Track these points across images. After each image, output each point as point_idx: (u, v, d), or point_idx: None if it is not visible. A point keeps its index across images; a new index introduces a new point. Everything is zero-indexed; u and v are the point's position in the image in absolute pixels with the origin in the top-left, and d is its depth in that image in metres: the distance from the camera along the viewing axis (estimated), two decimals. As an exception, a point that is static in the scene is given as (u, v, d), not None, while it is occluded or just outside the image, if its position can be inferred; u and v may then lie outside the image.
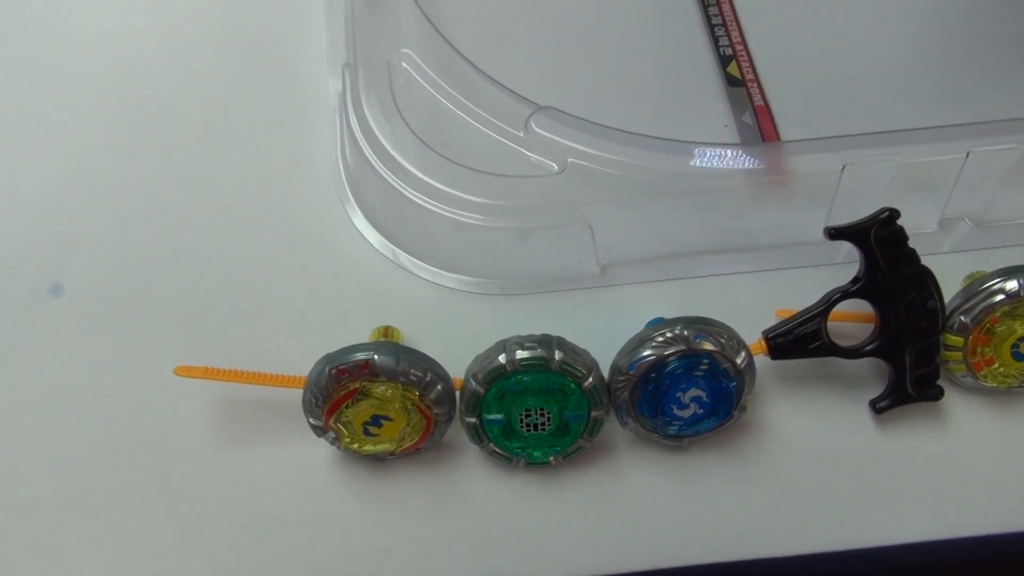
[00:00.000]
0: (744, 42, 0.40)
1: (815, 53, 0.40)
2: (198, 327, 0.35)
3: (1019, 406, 0.33)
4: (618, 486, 0.32)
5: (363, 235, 0.37)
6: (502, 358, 0.30)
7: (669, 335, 0.30)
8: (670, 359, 0.30)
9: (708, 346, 0.30)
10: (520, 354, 0.30)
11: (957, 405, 0.33)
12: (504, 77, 0.35)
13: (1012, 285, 0.31)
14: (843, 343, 0.32)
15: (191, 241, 0.37)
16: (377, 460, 0.32)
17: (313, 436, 0.32)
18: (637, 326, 0.32)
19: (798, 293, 0.33)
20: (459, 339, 0.34)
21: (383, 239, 0.36)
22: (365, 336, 0.33)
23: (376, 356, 0.29)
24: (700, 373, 0.30)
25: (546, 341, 0.30)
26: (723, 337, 0.30)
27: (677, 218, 0.35)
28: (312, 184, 0.38)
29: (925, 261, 0.31)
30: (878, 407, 0.33)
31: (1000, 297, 0.31)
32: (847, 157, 0.32)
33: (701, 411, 0.31)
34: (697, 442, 0.33)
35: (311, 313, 0.35)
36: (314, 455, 0.33)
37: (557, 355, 0.30)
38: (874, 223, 0.31)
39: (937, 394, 0.32)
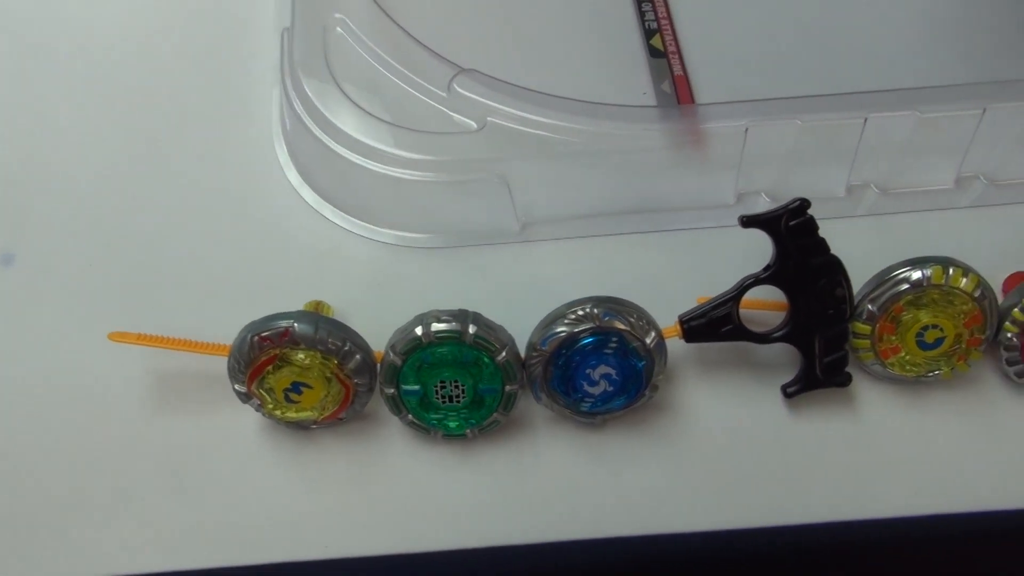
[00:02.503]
0: (669, 16, 0.42)
1: (739, 28, 0.42)
2: (142, 294, 0.36)
3: (927, 395, 0.34)
4: (534, 461, 0.33)
5: (299, 194, 0.38)
6: (419, 330, 0.31)
7: (581, 313, 0.31)
8: (581, 336, 0.31)
9: (618, 325, 0.31)
10: (436, 327, 0.31)
11: (867, 392, 0.34)
12: (434, 40, 0.37)
13: (917, 275, 0.32)
14: (757, 329, 0.34)
15: (137, 209, 0.38)
16: (301, 428, 0.34)
17: (242, 404, 0.33)
18: (555, 282, 0.35)
19: (712, 252, 0.36)
20: (386, 293, 0.36)
21: (317, 196, 0.38)
22: (300, 295, 0.35)
23: (296, 324, 0.31)
24: (609, 351, 0.31)
25: (462, 315, 0.31)
26: (632, 316, 0.31)
27: (593, 178, 0.36)
28: (253, 147, 0.39)
29: (831, 226, 0.33)
30: (788, 392, 0.34)
31: (905, 286, 0.32)
32: (751, 120, 0.34)
33: (611, 388, 0.32)
34: (612, 420, 0.34)
35: (251, 272, 0.37)
36: (243, 422, 0.34)
37: (471, 329, 0.31)
38: (784, 212, 0.32)
39: (845, 380, 0.33)
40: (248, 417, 0.34)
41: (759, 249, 0.33)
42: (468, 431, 0.33)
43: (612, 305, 0.32)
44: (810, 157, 0.37)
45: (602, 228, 0.38)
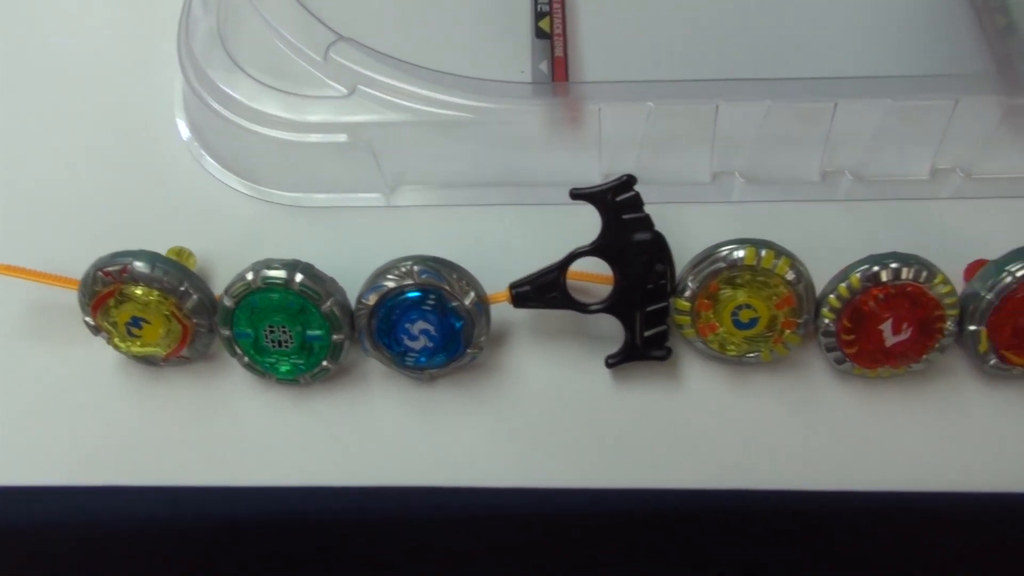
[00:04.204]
0: (563, 1, 0.43)
1: (632, 16, 0.43)
2: (26, 230, 0.39)
3: (751, 376, 0.35)
4: (365, 410, 0.35)
5: (188, 149, 0.41)
6: (249, 276, 0.33)
7: (403, 269, 0.33)
8: (403, 291, 0.33)
9: (434, 283, 0.33)
10: (265, 273, 0.33)
11: (693, 368, 0.35)
12: (323, 6, 0.39)
13: (739, 254, 0.33)
14: (585, 300, 0.35)
15: (33, 151, 0.41)
16: (151, 364, 0.36)
17: (101, 340, 0.35)
18: (416, 246, 0.35)
19: (574, 228, 0.35)
20: (253, 247, 0.37)
21: (203, 152, 0.41)
22: (171, 242, 0.37)
23: (134, 262, 0.33)
24: (428, 308, 0.33)
25: (292, 264, 0.33)
26: (452, 276, 0.33)
27: (460, 150, 0.38)
28: (153, 102, 0.42)
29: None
30: (609, 362, 0.35)
31: (722, 265, 0.33)
32: (603, 102, 0.36)
33: (432, 345, 0.34)
34: (442, 377, 0.35)
35: (131, 218, 0.39)
36: (100, 355, 0.36)
37: (298, 278, 0.33)
38: (610, 188, 0.33)
39: (664, 355, 0.34)
40: (105, 351, 0.36)
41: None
42: (300, 377, 0.35)
43: (434, 264, 0.33)
44: (674, 142, 0.38)
45: (468, 198, 0.39)
